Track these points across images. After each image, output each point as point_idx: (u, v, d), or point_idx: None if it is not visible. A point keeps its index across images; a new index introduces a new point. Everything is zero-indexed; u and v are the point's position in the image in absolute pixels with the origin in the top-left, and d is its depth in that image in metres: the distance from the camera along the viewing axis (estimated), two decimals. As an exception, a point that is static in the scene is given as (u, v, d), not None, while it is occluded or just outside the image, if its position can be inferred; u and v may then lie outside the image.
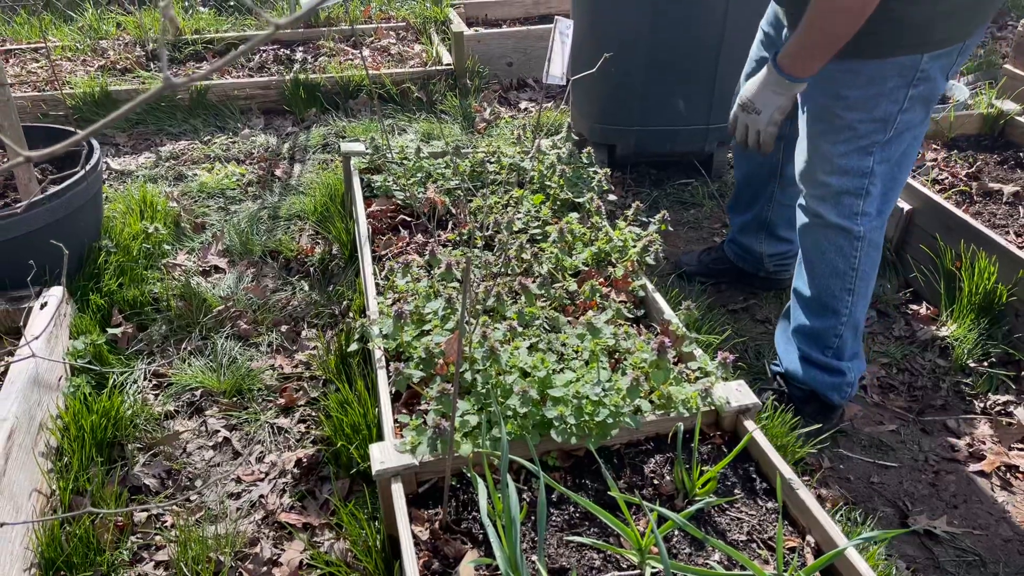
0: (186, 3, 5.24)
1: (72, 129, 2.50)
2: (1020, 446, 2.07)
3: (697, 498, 1.55)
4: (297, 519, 1.89)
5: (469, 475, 1.59)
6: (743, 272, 2.66)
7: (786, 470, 1.55)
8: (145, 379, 2.29)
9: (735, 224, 2.59)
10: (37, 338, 1.97)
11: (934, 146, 3.02)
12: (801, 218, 1.98)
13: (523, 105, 4.24)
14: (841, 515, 1.86)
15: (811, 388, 2.07)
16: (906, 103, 1.69)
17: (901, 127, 1.73)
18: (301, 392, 2.27)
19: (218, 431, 2.16)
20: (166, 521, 1.89)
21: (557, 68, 2.84)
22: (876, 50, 1.65)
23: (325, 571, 1.72)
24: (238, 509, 1.93)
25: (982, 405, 2.20)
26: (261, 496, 1.97)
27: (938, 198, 2.52)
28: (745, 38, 3.05)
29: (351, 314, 2.47)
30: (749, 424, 1.67)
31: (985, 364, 2.29)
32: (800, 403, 2.10)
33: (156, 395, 2.26)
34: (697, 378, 1.82)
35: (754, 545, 1.49)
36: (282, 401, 2.23)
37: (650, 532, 1.37)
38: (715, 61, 3.04)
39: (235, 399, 2.25)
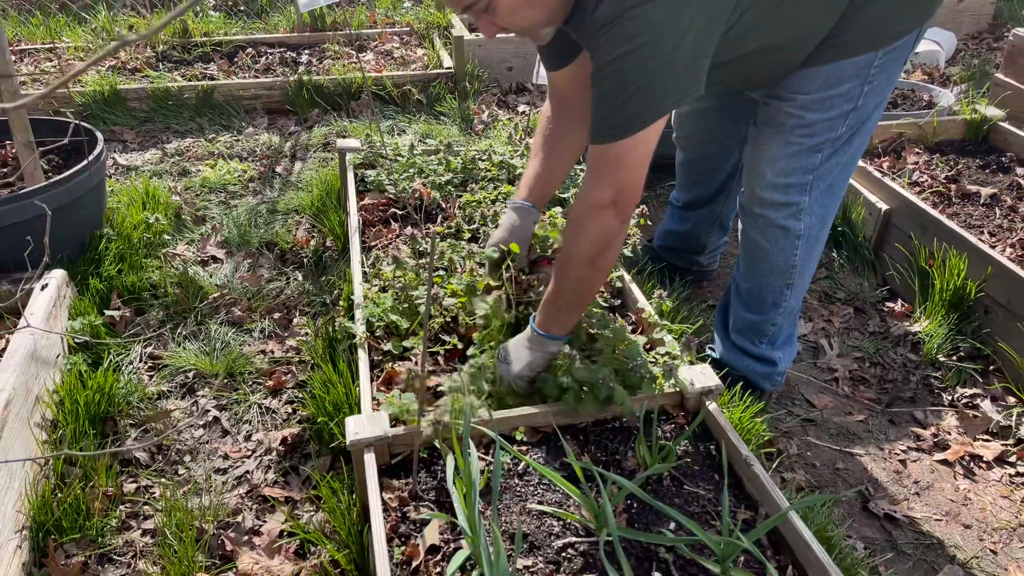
0: (196, 7, 5.37)
1: (77, 122, 2.60)
2: (985, 437, 2.13)
3: (659, 472, 1.62)
4: (280, 493, 1.97)
5: (440, 447, 1.66)
6: (675, 267, 2.71)
7: (742, 446, 1.61)
8: (140, 360, 2.38)
9: (687, 220, 2.59)
10: (35, 316, 2.06)
11: (916, 150, 3.08)
12: (744, 217, 2.01)
13: (521, 108, 4.32)
14: (803, 496, 1.92)
15: (743, 375, 2.13)
16: (861, 100, 1.73)
17: (854, 123, 1.77)
18: (290, 375, 2.35)
19: (208, 411, 2.24)
20: (154, 492, 1.97)
21: (547, 69, 2.93)
22: (833, 53, 1.68)
23: (303, 538, 1.80)
24: (224, 483, 2.01)
25: (950, 398, 2.25)
26: (247, 471, 2.05)
27: (914, 198, 2.59)
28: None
29: (341, 302, 2.55)
30: (710, 404, 1.74)
31: (954, 358, 2.35)
32: (730, 388, 2.13)
33: (150, 376, 2.35)
34: (664, 362, 1.89)
35: (708, 516, 1.55)
36: (271, 383, 2.31)
37: (605, 500, 1.43)
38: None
39: (226, 381, 2.33)
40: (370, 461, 1.60)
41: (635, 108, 1.46)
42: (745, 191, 1.98)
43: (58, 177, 2.41)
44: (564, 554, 1.46)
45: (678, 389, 1.78)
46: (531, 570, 1.43)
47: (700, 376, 1.79)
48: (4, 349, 2.06)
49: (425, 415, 1.65)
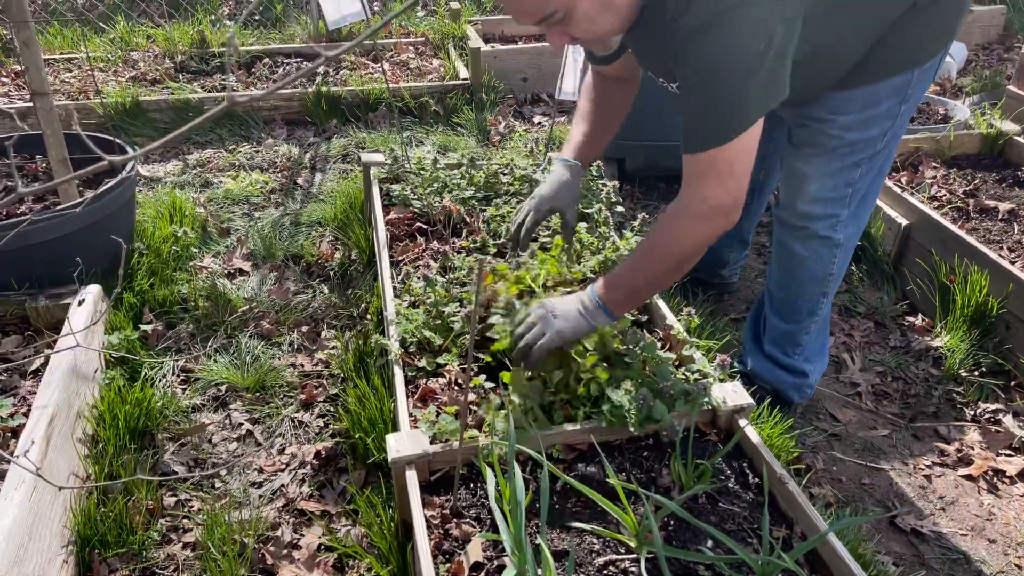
0: (213, 17, 5.42)
1: (110, 137, 2.64)
2: (1008, 452, 2.16)
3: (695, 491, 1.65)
4: (316, 507, 2.01)
5: (479, 465, 1.70)
6: (697, 281, 2.76)
7: (776, 464, 1.65)
8: (174, 374, 2.42)
9: None
10: (76, 332, 2.10)
11: (933, 164, 3.12)
12: (782, 228, 2.06)
13: (537, 119, 4.37)
14: (831, 512, 1.95)
15: (773, 387, 2.16)
16: (899, 119, 1.79)
17: (890, 138, 1.83)
18: (321, 389, 2.39)
19: (242, 424, 2.28)
20: (193, 506, 2.01)
21: (569, 85, 2.98)
22: (869, 77, 1.73)
23: (342, 552, 1.84)
24: (260, 496, 2.05)
25: (972, 413, 2.28)
26: (282, 485, 2.09)
27: (934, 214, 2.62)
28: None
29: (369, 315, 2.59)
30: (743, 422, 1.77)
31: (976, 373, 2.38)
32: (759, 401, 2.17)
33: (184, 389, 2.39)
34: (696, 379, 1.92)
35: (744, 534, 1.59)
36: (302, 397, 2.35)
37: (646, 518, 1.47)
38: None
39: (258, 394, 2.37)
40: (412, 478, 1.63)
41: (739, 111, 1.47)
42: (784, 205, 2.02)
43: (93, 193, 2.45)
44: (606, 572, 1.49)
45: (710, 407, 1.81)
46: (574, 587, 1.47)
47: (732, 394, 1.82)
48: (45, 364, 2.10)
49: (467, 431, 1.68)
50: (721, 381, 1.88)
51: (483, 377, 1.96)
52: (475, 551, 1.54)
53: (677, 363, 2.02)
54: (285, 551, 1.88)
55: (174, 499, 2.01)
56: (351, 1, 2.96)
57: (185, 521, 1.96)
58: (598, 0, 1.43)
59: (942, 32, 1.73)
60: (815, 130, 1.85)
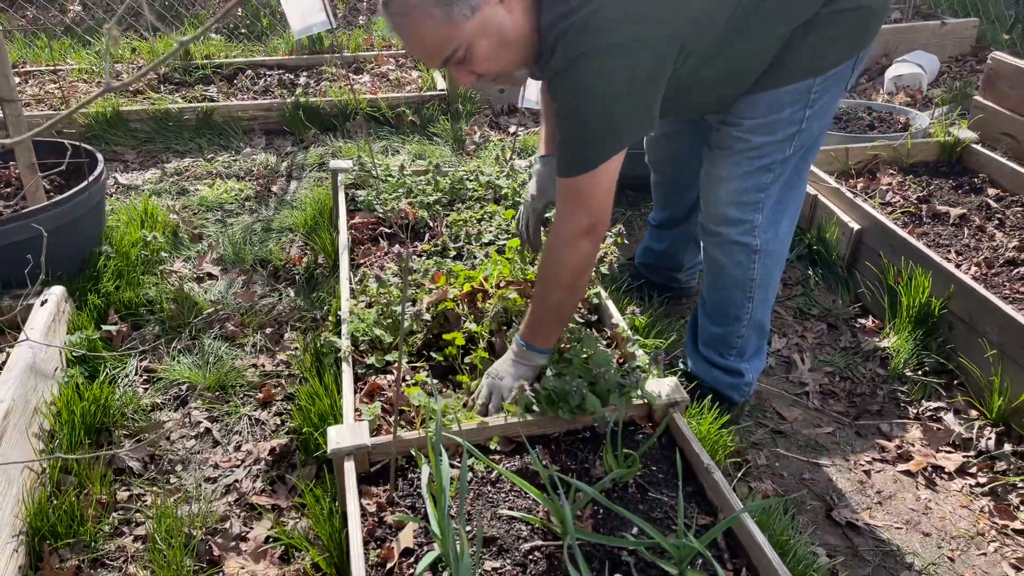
0: (198, 29, 5.51)
1: (79, 144, 2.71)
2: (947, 448, 2.21)
3: (623, 478, 1.70)
4: (267, 501, 2.05)
5: (416, 456, 1.75)
6: (654, 284, 2.81)
7: (703, 454, 1.70)
8: (136, 374, 2.47)
9: (663, 239, 2.69)
10: (35, 330, 2.15)
11: (891, 171, 3.18)
12: (704, 235, 2.11)
13: (512, 129, 4.44)
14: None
15: (711, 387, 2.22)
16: (805, 123, 1.84)
17: (800, 145, 1.89)
18: (279, 388, 2.44)
19: (200, 422, 2.33)
20: (146, 500, 2.05)
21: (532, 93, 3.05)
22: (774, 80, 1.80)
23: (287, 543, 1.88)
24: (213, 491, 2.09)
25: (915, 411, 2.33)
26: (236, 480, 2.13)
27: (884, 218, 2.68)
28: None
29: (331, 318, 2.64)
30: (676, 415, 1.82)
31: (920, 373, 2.43)
32: (699, 399, 2.21)
33: (145, 388, 2.43)
34: (633, 374, 1.97)
35: (670, 522, 1.63)
36: (261, 396, 2.40)
37: (566, 504, 1.52)
38: (684, 89, 3.23)
39: (218, 394, 2.42)
40: (350, 469, 1.68)
41: (594, 147, 1.61)
42: (703, 210, 2.08)
43: (59, 197, 2.51)
44: (531, 556, 1.54)
45: (646, 401, 1.86)
46: (499, 571, 1.51)
47: (667, 389, 1.87)
48: (5, 362, 2.16)
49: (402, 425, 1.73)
50: (659, 376, 1.93)
51: (427, 374, 2.02)
52: (407, 537, 1.59)
53: (621, 360, 2.07)
54: (233, 543, 1.92)
55: (127, 493, 2.06)
56: (316, 11, 3.04)
57: (137, 515, 2.00)
58: (494, 38, 1.56)
59: (844, 42, 1.78)
60: (725, 133, 1.92)
